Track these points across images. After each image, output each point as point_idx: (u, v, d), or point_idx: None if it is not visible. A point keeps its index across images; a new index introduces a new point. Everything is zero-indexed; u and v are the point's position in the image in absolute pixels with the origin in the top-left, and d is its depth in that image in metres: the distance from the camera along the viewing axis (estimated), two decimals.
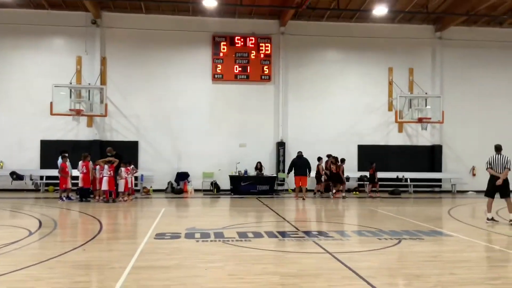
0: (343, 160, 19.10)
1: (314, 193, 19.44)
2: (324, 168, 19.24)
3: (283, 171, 21.12)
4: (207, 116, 21.47)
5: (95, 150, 19.58)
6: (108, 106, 19.77)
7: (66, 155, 16.68)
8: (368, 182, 20.13)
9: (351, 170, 21.03)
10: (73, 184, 16.60)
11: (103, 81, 20.71)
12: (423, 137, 22.47)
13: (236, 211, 14.90)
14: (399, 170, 21.61)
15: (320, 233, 9.61)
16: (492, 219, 11.46)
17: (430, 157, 22.54)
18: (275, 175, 20.81)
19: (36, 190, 19.99)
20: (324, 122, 21.81)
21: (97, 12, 20.54)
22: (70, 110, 18.72)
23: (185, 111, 21.25)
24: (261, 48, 21.65)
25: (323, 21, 21.97)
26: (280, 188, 21.25)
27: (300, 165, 18.29)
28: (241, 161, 20.30)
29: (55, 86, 18.55)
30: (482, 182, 21.87)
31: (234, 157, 20.69)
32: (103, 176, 15.72)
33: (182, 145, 21.22)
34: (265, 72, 21.68)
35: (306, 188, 18.28)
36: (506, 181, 11.26)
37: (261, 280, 5.91)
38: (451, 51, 22.57)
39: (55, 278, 5.93)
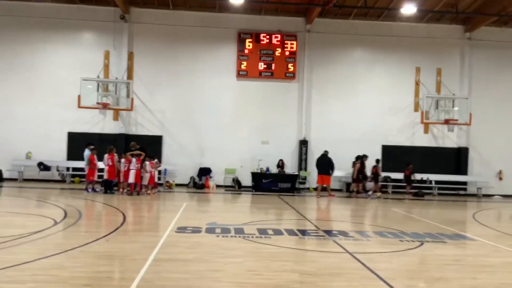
0: (377, 161, 19.73)
1: (351, 192, 19.18)
2: (369, 170, 19.30)
3: (305, 170, 21.08)
4: (230, 112, 21.56)
5: (120, 143, 19.85)
6: (134, 100, 20.08)
7: (94, 147, 17.00)
8: (406, 184, 19.76)
9: None
10: (98, 176, 16.94)
11: (129, 76, 21.03)
12: (449, 139, 22.05)
13: (256, 208, 14.94)
14: (424, 171, 21.23)
15: (341, 232, 9.55)
16: None
17: (456, 159, 22.12)
18: (297, 173, 20.79)
19: (62, 181, 20.41)
20: (348, 122, 21.61)
21: (126, 7, 20.84)
22: (97, 103, 19.07)
23: (209, 107, 21.38)
24: (286, 45, 21.58)
25: (350, 19, 21.77)
26: (301, 186, 21.20)
27: (323, 163, 18.28)
28: (263, 158, 20.32)
29: (83, 80, 18.96)
30: (508, 186, 21.86)
31: (257, 154, 20.74)
32: (129, 169, 15.93)
33: (205, 141, 21.36)
34: (290, 69, 21.62)
35: (330, 187, 18.34)
36: None
37: (280, 277, 5.91)
38: (480, 52, 22.05)
39: (78, 267, 6.05)
